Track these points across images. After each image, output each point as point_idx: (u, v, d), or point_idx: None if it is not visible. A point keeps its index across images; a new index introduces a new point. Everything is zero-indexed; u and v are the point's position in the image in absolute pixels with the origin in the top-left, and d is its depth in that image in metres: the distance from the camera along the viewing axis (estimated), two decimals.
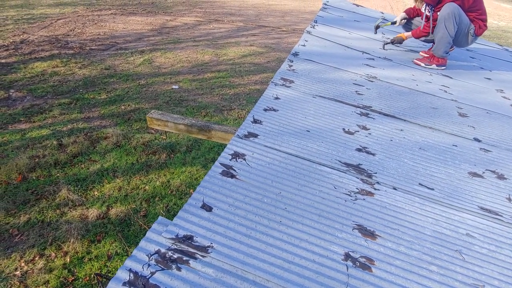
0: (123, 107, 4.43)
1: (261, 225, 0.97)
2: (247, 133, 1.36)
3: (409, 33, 2.79)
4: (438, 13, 2.47)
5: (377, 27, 3.11)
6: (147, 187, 3.18)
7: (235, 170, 1.15)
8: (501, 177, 1.45)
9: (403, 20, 2.89)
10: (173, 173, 3.42)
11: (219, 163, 1.16)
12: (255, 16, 9.39)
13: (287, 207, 1.07)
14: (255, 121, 1.45)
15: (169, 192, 3.18)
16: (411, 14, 2.88)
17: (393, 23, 2.97)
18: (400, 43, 2.86)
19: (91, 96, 4.58)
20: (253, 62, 6.24)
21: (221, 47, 6.76)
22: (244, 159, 1.21)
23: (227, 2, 10.77)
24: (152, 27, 7.46)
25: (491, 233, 1.17)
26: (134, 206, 2.92)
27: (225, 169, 1.14)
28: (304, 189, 1.17)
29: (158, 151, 3.70)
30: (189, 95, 4.93)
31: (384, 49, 2.92)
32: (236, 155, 1.22)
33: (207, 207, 0.95)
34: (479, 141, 1.67)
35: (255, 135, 1.36)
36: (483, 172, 1.46)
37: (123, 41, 6.59)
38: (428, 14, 2.56)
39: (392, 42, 2.86)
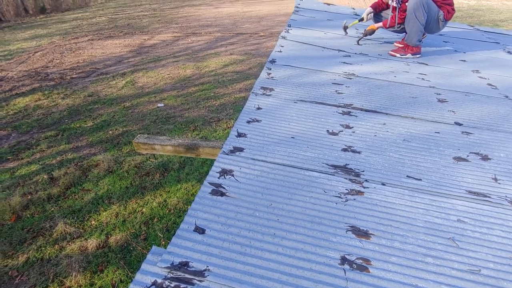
0: (110, 132, 4.41)
1: (255, 241, 0.98)
2: (232, 148, 1.37)
3: (380, 23, 2.84)
4: (407, 4, 2.52)
5: (345, 28, 3.16)
6: (144, 210, 3.16)
7: (224, 188, 1.16)
8: (485, 158, 1.49)
9: (369, 15, 2.94)
10: (169, 191, 3.41)
11: (208, 182, 1.16)
12: (231, 25, 9.45)
13: (279, 218, 1.08)
14: (240, 135, 1.46)
15: (167, 211, 3.16)
16: (378, 8, 2.93)
17: (361, 20, 3.02)
18: (372, 34, 2.91)
19: (77, 125, 4.56)
20: (235, 70, 6.27)
21: (201, 60, 6.79)
22: (233, 175, 1.22)
23: (202, 15, 10.82)
24: (131, 48, 7.46)
25: (481, 215, 1.20)
26: (134, 231, 2.90)
27: (214, 187, 1.15)
28: (295, 197, 1.18)
29: (151, 171, 3.69)
30: (176, 112, 4.93)
31: (359, 44, 2.96)
32: (224, 172, 1.23)
33: (200, 230, 0.96)
34: (460, 124, 1.71)
35: (241, 149, 1.37)
36: (468, 156, 1.49)
37: (103, 65, 6.58)
38: (395, 5, 2.62)
39: (365, 35, 2.90)
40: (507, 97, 2.06)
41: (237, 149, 1.36)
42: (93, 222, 2.96)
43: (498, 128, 1.70)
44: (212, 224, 1.00)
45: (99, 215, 3.04)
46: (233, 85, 5.67)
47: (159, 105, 5.11)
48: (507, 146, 1.56)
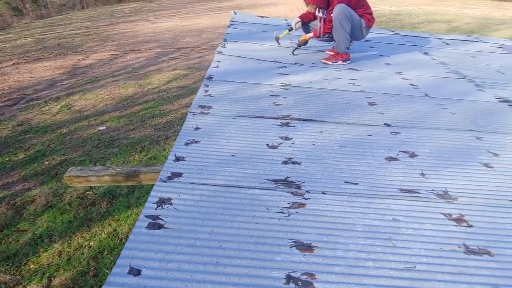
0: (47, 162, 4.06)
1: (197, 273, 0.94)
2: (170, 174, 1.32)
3: (311, 33, 2.98)
4: (332, 14, 2.68)
5: (277, 39, 3.26)
6: (92, 243, 2.94)
7: (162, 219, 1.11)
8: (412, 155, 1.60)
9: (297, 24, 3.07)
10: (119, 219, 3.21)
11: (144, 215, 1.10)
12: (172, 39, 9.31)
13: (222, 244, 1.05)
14: (178, 159, 1.41)
15: (118, 241, 2.97)
16: (305, 18, 3.08)
17: (290, 30, 3.14)
18: (305, 44, 3.04)
19: (7, 159, 4.13)
20: (179, 85, 6.15)
21: (143, 77, 6.57)
22: (171, 204, 1.17)
23: (139, 30, 10.52)
24: (64, 70, 6.99)
25: (413, 211, 1.28)
26: (81, 268, 2.68)
27: (152, 220, 1.09)
28: (237, 219, 1.16)
29: (97, 200, 3.45)
30: (120, 133, 4.69)
31: (294, 54, 3.07)
32: (161, 202, 1.18)
33: (134, 271, 0.90)
34: (389, 125, 1.83)
35: (180, 174, 1.32)
36: (397, 154, 1.60)
37: (33, 91, 6.08)
38: (321, 16, 2.77)
39: (299, 46, 3.02)
40: (426, 95, 2.26)
41: (176, 175, 1.32)
42: (32, 265, 2.68)
43: (421, 126, 1.84)
44: (149, 262, 0.94)
45: (39, 257, 2.76)
46: (178, 100, 5.56)
47: (100, 128, 4.82)
48: (430, 142, 1.69)
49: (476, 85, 2.63)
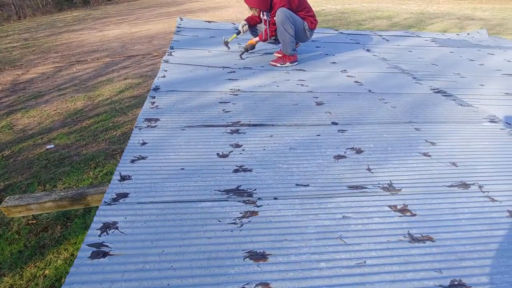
0: None
1: None
2: (115, 196, 1.25)
3: (257, 38, 2.99)
4: (275, 18, 2.72)
5: (226, 43, 3.25)
6: (47, 272, 2.73)
7: (107, 246, 1.05)
8: (358, 151, 1.66)
9: (245, 27, 3.08)
10: (76, 242, 3.01)
11: (86, 244, 1.04)
12: (121, 48, 8.95)
13: (173, 264, 1.02)
14: (123, 178, 1.35)
15: None
16: (251, 21, 3.09)
17: (238, 33, 3.14)
18: (253, 48, 3.05)
19: None
20: (132, 95, 5.93)
21: (92, 89, 6.25)
22: (117, 228, 1.12)
23: (85, 40, 10.01)
24: (2, 87, 6.46)
25: (361, 207, 1.32)
26: None
27: (95, 249, 1.03)
28: (189, 235, 1.13)
29: (50, 225, 3.21)
30: (70, 151, 4.42)
31: (242, 58, 3.07)
32: (106, 227, 1.12)
33: None
34: (336, 123, 1.89)
35: (125, 195, 1.26)
36: (345, 152, 1.65)
37: None
38: (266, 18, 2.80)
39: (246, 50, 3.03)
40: (370, 91, 2.37)
41: (121, 196, 1.26)
42: None
43: (365, 121, 1.92)
44: None
45: None
46: (132, 110, 5.35)
47: (48, 146, 4.51)
48: (374, 137, 1.77)
49: (413, 78, 2.81)
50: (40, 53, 8.78)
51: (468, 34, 5.19)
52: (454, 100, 2.37)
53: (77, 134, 4.74)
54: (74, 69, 7.30)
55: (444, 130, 1.90)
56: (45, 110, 5.47)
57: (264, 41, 2.95)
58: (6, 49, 9.37)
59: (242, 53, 3.06)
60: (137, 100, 5.67)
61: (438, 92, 2.49)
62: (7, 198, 1.66)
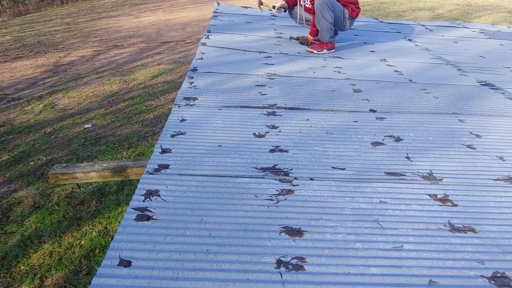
0: (32, 163, 3.98)
1: (187, 262, 0.94)
2: (157, 166, 1.31)
3: (311, 37, 3.01)
4: (314, 4, 2.67)
5: (260, 3, 3.25)
6: (83, 242, 2.90)
7: (150, 211, 1.10)
8: (397, 139, 1.62)
9: (280, 8, 3.07)
10: (109, 217, 3.17)
11: (132, 208, 1.09)
12: (155, 34, 9.15)
13: (211, 232, 1.05)
14: (164, 151, 1.40)
15: (109, 239, 2.93)
16: (290, 2, 3.07)
17: (273, 7, 3.14)
18: (306, 43, 3.04)
19: None
20: (165, 80, 6.08)
21: (128, 73, 6.45)
22: (159, 195, 1.17)
23: (122, 26, 10.31)
24: (45, 68, 6.82)
25: (399, 193, 1.30)
26: (73, 267, 2.65)
27: (140, 212, 1.08)
28: (226, 207, 1.16)
29: (86, 199, 3.40)
30: (106, 131, 4.62)
31: (295, 39, 3.08)
32: (149, 194, 1.17)
33: (124, 263, 0.89)
34: (375, 111, 1.85)
35: (166, 166, 1.31)
36: (383, 139, 1.62)
37: (14, 90, 5.92)
38: (308, 6, 2.76)
39: (301, 43, 3.03)
40: (411, 80, 2.29)
41: (162, 167, 1.31)
42: (22, 267, 2.63)
43: (405, 110, 1.87)
44: (139, 253, 0.94)
45: (29, 258, 2.71)
46: (165, 95, 5.49)
47: (86, 126, 4.74)
48: (414, 126, 1.72)
49: (458, 69, 2.68)
50: (80, 37, 9.15)
51: None
52: (503, 93, 2.24)
53: (113, 116, 4.93)
54: (112, 53, 7.56)
55: (491, 123, 1.81)
56: (84, 92, 5.72)
57: (314, 36, 2.96)
58: (49, 32, 9.86)
59: (293, 38, 3.09)
60: (170, 85, 5.81)
61: (486, 85, 2.37)
62: (54, 166, 1.77)
